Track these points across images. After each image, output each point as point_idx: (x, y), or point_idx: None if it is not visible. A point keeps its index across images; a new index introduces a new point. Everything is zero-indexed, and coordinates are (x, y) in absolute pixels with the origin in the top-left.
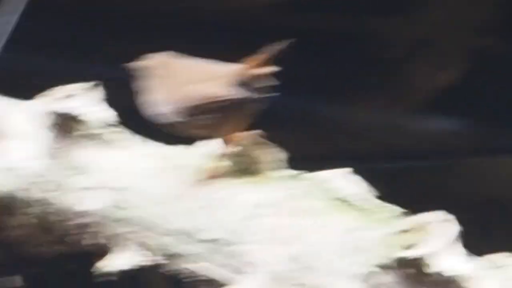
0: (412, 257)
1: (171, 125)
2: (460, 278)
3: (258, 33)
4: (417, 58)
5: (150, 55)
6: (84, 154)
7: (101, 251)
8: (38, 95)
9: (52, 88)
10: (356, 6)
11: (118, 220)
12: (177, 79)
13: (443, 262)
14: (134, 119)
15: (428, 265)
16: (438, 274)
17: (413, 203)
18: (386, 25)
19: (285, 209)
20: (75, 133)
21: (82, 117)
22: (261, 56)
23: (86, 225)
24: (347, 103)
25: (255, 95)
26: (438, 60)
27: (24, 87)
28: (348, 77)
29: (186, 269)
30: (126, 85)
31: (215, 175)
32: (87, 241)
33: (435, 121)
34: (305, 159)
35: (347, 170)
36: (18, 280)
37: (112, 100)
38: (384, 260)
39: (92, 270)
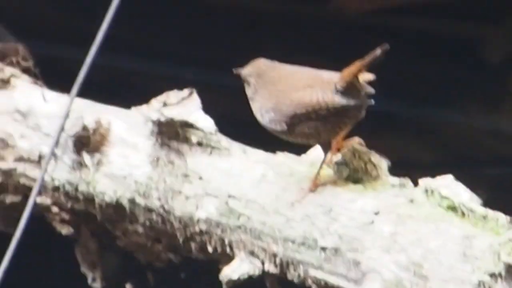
0: None
1: (275, 132)
2: None
3: (359, 38)
4: None
5: (252, 62)
6: (193, 161)
7: (215, 259)
8: (136, 105)
9: (152, 95)
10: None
11: (233, 228)
12: (278, 86)
13: None
14: (226, 126)
15: None
16: None
17: None
18: (488, 31)
19: (403, 216)
20: (181, 141)
21: (185, 125)
22: (362, 62)
23: (201, 233)
24: (448, 108)
25: (357, 102)
26: None
27: (123, 90)
28: (449, 82)
29: (307, 276)
30: (217, 91)
31: (325, 183)
32: (201, 248)
33: None
34: (407, 165)
35: (451, 177)
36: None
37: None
38: (498, 269)
39: (203, 278)
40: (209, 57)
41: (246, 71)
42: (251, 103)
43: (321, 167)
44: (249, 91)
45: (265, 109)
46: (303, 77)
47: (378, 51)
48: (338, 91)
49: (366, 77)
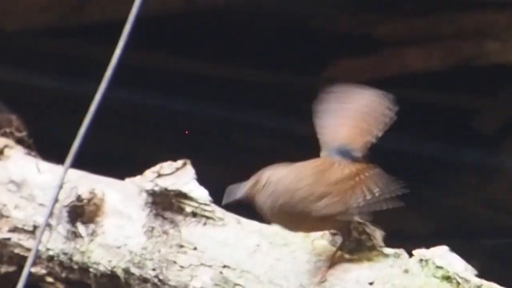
0: None
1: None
2: None
3: None
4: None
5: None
6: (188, 231)
7: None
8: (130, 176)
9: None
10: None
11: None
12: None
13: None
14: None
15: None
16: None
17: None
18: (482, 102)
19: (398, 286)
20: (175, 211)
21: (179, 195)
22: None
23: None
24: (443, 180)
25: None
26: None
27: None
28: (444, 153)
29: None
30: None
31: (319, 254)
32: None
33: None
34: (402, 236)
35: (445, 248)
36: None
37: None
38: None
39: None
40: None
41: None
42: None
43: (337, 251)
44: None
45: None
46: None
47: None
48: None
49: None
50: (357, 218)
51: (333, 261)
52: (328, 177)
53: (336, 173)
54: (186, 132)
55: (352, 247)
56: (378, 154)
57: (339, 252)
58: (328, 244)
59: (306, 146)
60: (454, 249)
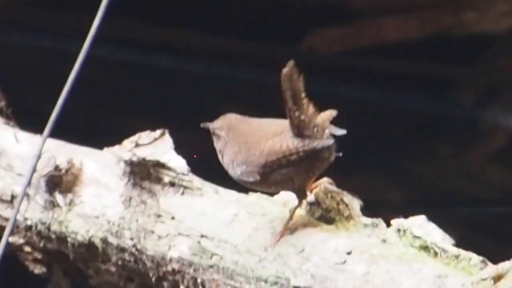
0: None
1: (249, 184)
2: None
3: (330, 79)
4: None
5: (221, 116)
6: (166, 201)
7: None
8: (109, 146)
9: (125, 136)
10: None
11: (205, 268)
12: (248, 138)
13: None
14: (198, 166)
15: None
16: None
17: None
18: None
19: (376, 256)
20: (153, 181)
21: (157, 165)
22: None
23: (173, 272)
24: (420, 149)
25: (323, 144)
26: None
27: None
28: (421, 123)
29: None
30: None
31: (297, 223)
32: (173, 287)
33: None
34: (379, 206)
35: (423, 217)
36: None
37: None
38: None
39: None
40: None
41: (216, 125)
42: (220, 156)
43: (293, 212)
44: (218, 145)
45: (236, 162)
46: (272, 127)
47: (284, 71)
48: (306, 135)
49: (330, 114)
50: (334, 188)
51: (287, 226)
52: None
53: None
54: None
55: (330, 216)
56: (354, 126)
57: (302, 215)
58: (306, 214)
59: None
60: (430, 218)
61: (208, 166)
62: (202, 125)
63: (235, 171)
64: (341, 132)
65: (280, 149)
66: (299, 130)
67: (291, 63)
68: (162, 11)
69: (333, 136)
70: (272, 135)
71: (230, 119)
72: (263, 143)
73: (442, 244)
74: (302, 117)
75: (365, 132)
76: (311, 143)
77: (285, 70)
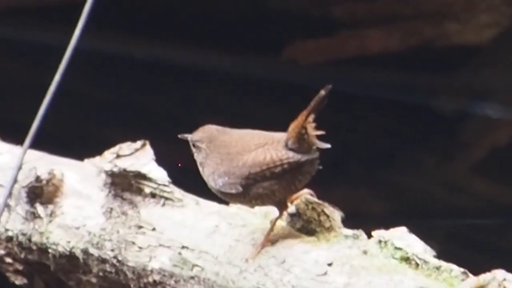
0: None
1: (229, 196)
2: None
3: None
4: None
5: (201, 127)
6: (147, 212)
7: None
8: (89, 157)
9: (105, 147)
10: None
11: (186, 279)
12: (230, 149)
13: None
14: (179, 177)
15: None
16: None
17: (470, 261)
18: (440, 83)
19: (357, 267)
20: (134, 192)
21: (138, 176)
22: (308, 109)
23: (154, 283)
24: (402, 161)
25: (310, 157)
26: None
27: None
28: (402, 133)
29: None
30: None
31: (278, 234)
32: None
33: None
34: (360, 217)
35: (404, 229)
36: None
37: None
38: None
39: None
40: (162, 108)
41: (196, 137)
42: (201, 168)
43: (274, 224)
44: (199, 157)
45: (217, 173)
46: (254, 138)
47: (322, 93)
48: (290, 148)
49: (317, 133)
50: (314, 199)
51: (268, 238)
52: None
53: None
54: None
55: (311, 227)
56: (335, 136)
57: (283, 226)
58: (286, 225)
59: (268, 128)
60: (412, 230)
61: (188, 177)
62: (180, 136)
63: (216, 182)
64: (325, 146)
65: (264, 160)
66: (299, 144)
67: (329, 87)
68: (140, 24)
69: (317, 149)
70: (255, 147)
71: (211, 130)
72: (246, 154)
73: (423, 255)
74: (305, 136)
75: (346, 143)
76: (295, 156)
77: (323, 93)
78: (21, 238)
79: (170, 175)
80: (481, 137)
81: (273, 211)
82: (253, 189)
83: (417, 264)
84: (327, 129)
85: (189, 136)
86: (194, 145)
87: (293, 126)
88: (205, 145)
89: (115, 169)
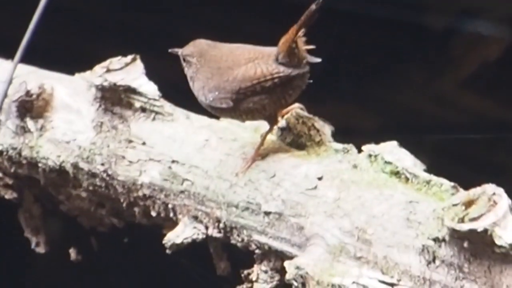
0: (468, 230)
1: (220, 110)
2: None
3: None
4: (460, 33)
5: (192, 42)
6: (137, 127)
7: (158, 224)
8: (80, 71)
9: (96, 62)
10: None
11: (176, 193)
12: (220, 64)
13: (502, 235)
14: (170, 92)
15: (486, 237)
16: (499, 246)
17: (460, 176)
18: None
19: (347, 181)
20: (124, 107)
21: (128, 90)
22: (298, 23)
23: (144, 198)
24: (392, 76)
25: (300, 71)
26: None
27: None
28: (392, 49)
29: (250, 241)
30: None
31: (268, 148)
32: (144, 213)
33: (480, 94)
34: (350, 132)
35: (394, 143)
36: (73, 252)
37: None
38: (442, 233)
39: (146, 242)
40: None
41: (186, 51)
42: (191, 83)
43: (265, 138)
44: (189, 71)
45: (208, 88)
46: (245, 53)
47: (312, 7)
48: (280, 62)
49: (307, 47)
50: (305, 113)
51: (258, 152)
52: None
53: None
54: None
55: (301, 142)
56: (325, 51)
57: (273, 140)
58: (277, 139)
59: (259, 42)
60: (402, 145)
61: (179, 92)
62: (170, 50)
63: (206, 97)
64: (315, 60)
65: (255, 75)
66: (289, 58)
67: (320, 1)
68: None
69: (308, 63)
70: (245, 61)
71: (201, 44)
72: (236, 68)
73: (413, 169)
74: (296, 51)
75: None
76: (286, 70)
77: (313, 7)
78: (11, 152)
79: (160, 89)
80: (470, 53)
81: (263, 125)
82: (243, 104)
83: (407, 178)
84: (317, 45)
85: (179, 51)
86: (184, 60)
87: (284, 41)
88: (195, 59)
89: (106, 84)
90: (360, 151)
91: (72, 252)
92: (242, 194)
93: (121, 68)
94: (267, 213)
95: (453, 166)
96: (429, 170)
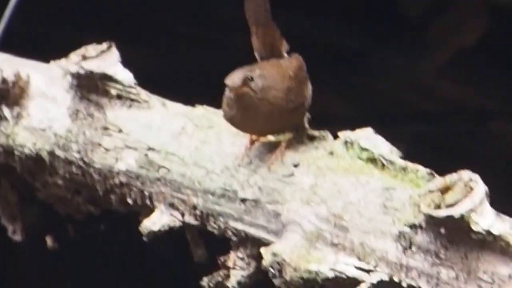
0: (445, 216)
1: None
2: (498, 237)
3: None
4: (439, 17)
5: None
6: (113, 114)
7: (135, 211)
8: (55, 59)
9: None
10: None
11: (153, 180)
12: None
13: (479, 221)
14: (145, 79)
15: (463, 223)
16: (475, 232)
17: (436, 164)
18: None
19: (323, 168)
20: (100, 94)
21: (104, 78)
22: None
23: (120, 185)
24: (368, 63)
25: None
26: (461, 19)
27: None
28: (369, 36)
29: (227, 228)
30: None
31: (246, 137)
32: (121, 200)
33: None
34: (326, 119)
35: (370, 130)
36: (49, 240)
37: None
38: (418, 220)
39: (123, 230)
40: (128, 10)
41: None
42: None
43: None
44: None
45: None
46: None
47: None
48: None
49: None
50: None
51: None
52: (286, 72)
53: (289, 68)
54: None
55: None
56: (301, 41)
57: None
58: None
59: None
60: (378, 133)
61: (154, 80)
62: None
63: None
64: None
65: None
66: (265, 50)
67: None
68: None
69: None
70: None
71: None
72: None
73: (389, 156)
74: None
75: (312, 46)
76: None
77: None
78: None
79: (136, 77)
80: (447, 39)
81: None
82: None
83: (383, 165)
84: (293, 33)
85: None
86: None
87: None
88: None
89: (81, 71)
90: (335, 137)
91: (49, 240)
92: (218, 181)
93: (96, 56)
94: (243, 200)
95: (430, 154)
96: (405, 159)
